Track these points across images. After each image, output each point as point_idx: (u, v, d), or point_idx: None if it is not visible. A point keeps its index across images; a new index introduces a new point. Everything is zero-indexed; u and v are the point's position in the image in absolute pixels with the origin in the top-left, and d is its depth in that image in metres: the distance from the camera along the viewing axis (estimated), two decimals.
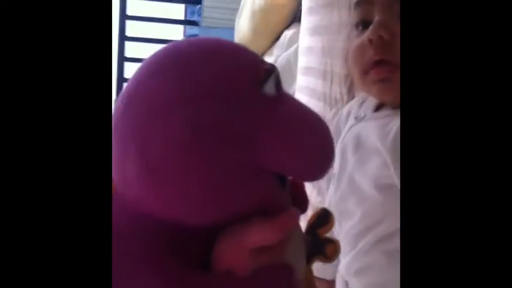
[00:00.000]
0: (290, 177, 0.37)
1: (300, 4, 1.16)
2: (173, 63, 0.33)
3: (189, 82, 0.32)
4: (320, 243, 0.40)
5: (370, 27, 0.54)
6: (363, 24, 0.57)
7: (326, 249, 0.40)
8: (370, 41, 0.54)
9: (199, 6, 2.55)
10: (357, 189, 0.56)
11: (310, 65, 0.99)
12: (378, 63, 0.54)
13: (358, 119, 0.65)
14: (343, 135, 0.64)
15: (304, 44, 1.07)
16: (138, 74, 0.33)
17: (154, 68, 0.33)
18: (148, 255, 0.31)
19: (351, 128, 0.64)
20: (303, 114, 0.35)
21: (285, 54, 1.42)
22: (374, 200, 0.54)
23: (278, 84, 0.34)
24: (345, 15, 0.82)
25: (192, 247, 0.33)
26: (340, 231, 0.58)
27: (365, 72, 0.56)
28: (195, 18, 2.69)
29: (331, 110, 0.87)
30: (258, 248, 0.33)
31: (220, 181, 0.31)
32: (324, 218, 0.41)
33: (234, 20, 1.85)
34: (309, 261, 0.40)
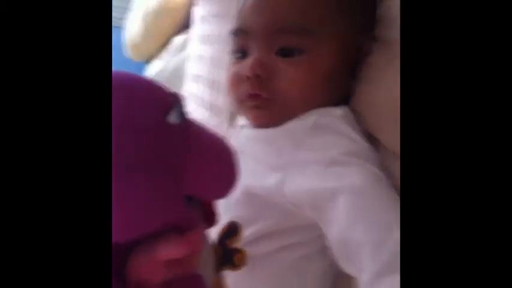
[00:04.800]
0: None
1: (192, 11, 1.16)
2: None
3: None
4: (229, 253, 0.45)
5: (248, 63, 0.55)
6: (240, 52, 0.58)
7: (234, 258, 0.46)
8: (247, 77, 0.55)
9: None
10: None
11: (199, 73, 1.00)
12: (252, 96, 0.56)
13: (241, 127, 0.67)
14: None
15: (194, 51, 1.07)
16: None
17: None
18: None
19: (234, 136, 0.65)
20: (208, 139, 0.39)
21: (175, 59, 1.41)
22: (239, 206, 0.56)
23: (182, 113, 0.37)
24: None
25: (115, 261, 0.36)
26: None
27: (241, 101, 0.58)
28: None
29: (215, 119, 0.88)
30: (169, 261, 0.36)
31: (135, 203, 0.34)
32: (232, 230, 0.46)
33: (124, 19, 1.79)
34: (219, 270, 0.44)
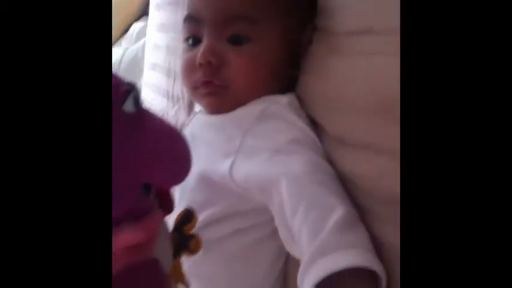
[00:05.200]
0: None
1: None
2: None
3: None
4: (185, 239, 0.46)
5: (200, 50, 0.56)
6: (193, 40, 0.60)
7: (190, 244, 0.46)
8: (200, 64, 0.56)
9: None
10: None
11: (156, 61, 1.00)
12: (206, 83, 0.57)
13: (194, 113, 0.69)
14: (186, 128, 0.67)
15: (151, 39, 1.07)
16: None
17: None
18: None
19: (189, 123, 0.67)
20: (161, 128, 0.39)
21: (133, 47, 1.40)
22: (194, 191, 0.57)
23: (137, 102, 0.37)
24: None
25: None
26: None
27: (195, 88, 0.59)
28: None
29: (173, 106, 0.89)
30: (128, 247, 0.37)
31: None
32: (187, 216, 0.47)
33: None
34: (176, 255, 0.46)
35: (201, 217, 0.57)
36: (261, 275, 0.58)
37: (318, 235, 0.42)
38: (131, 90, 0.37)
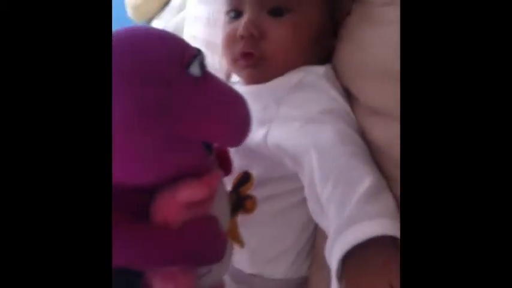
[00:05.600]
0: (215, 145, 0.45)
1: None
2: (117, 52, 0.37)
3: (129, 67, 0.37)
4: (241, 199, 0.50)
5: (242, 23, 0.58)
6: (234, 13, 0.61)
7: (246, 204, 0.50)
8: (241, 36, 0.58)
9: None
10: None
11: (195, 33, 1.01)
12: (246, 54, 0.59)
13: (233, 84, 0.70)
14: None
15: (191, 11, 1.08)
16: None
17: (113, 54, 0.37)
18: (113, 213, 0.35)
19: None
20: (224, 91, 0.42)
21: (174, 19, 1.42)
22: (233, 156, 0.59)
23: (202, 66, 0.40)
24: None
25: (139, 204, 0.40)
26: None
27: (235, 60, 0.61)
28: None
29: None
30: (188, 203, 0.40)
31: (155, 148, 0.38)
32: (245, 178, 0.51)
33: None
34: (233, 215, 0.49)
35: None
36: (291, 240, 0.60)
37: (345, 207, 0.43)
38: (197, 55, 0.40)
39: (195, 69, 0.39)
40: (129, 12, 1.74)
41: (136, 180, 0.39)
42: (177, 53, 0.39)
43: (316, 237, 0.60)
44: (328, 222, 0.45)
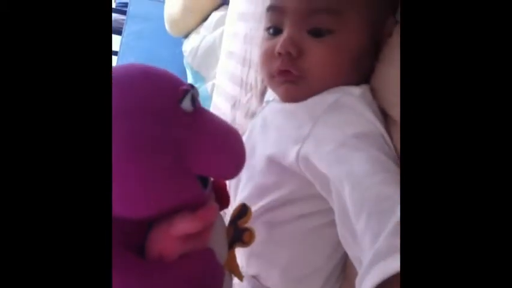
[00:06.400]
0: (212, 178, 0.45)
1: None
2: (117, 86, 0.38)
3: (127, 103, 0.38)
4: (239, 232, 0.50)
5: (280, 40, 0.58)
6: (274, 29, 0.61)
7: (244, 237, 0.50)
8: (279, 54, 0.58)
9: None
10: (254, 163, 0.60)
11: (233, 49, 1.03)
12: (283, 72, 0.59)
13: (267, 102, 0.70)
14: (255, 118, 0.69)
15: (230, 28, 1.10)
16: None
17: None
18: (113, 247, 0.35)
19: (262, 110, 0.69)
20: (217, 124, 0.43)
21: (211, 35, 1.45)
22: (263, 174, 0.59)
23: (194, 100, 0.41)
24: None
25: (136, 238, 0.41)
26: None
27: (271, 76, 0.61)
28: None
29: (246, 94, 0.91)
30: (183, 236, 0.40)
31: (150, 182, 0.38)
32: (243, 211, 0.50)
33: None
34: (231, 247, 0.49)
35: (268, 199, 0.59)
36: (321, 261, 0.59)
37: (377, 239, 0.41)
38: (189, 90, 0.41)
39: (186, 104, 0.40)
40: (167, 26, 1.78)
41: (131, 214, 0.40)
42: (170, 88, 0.41)
43: (347, 258, 0.59)
44: (362, 254, 0.44)
